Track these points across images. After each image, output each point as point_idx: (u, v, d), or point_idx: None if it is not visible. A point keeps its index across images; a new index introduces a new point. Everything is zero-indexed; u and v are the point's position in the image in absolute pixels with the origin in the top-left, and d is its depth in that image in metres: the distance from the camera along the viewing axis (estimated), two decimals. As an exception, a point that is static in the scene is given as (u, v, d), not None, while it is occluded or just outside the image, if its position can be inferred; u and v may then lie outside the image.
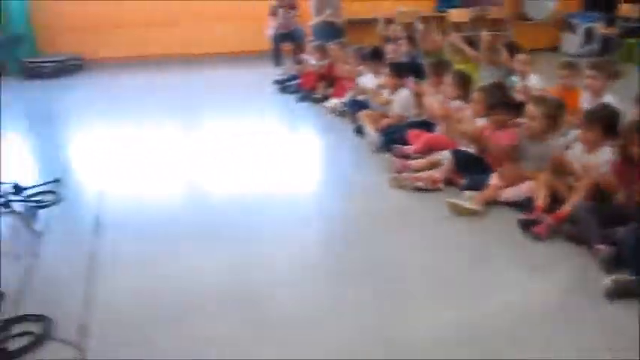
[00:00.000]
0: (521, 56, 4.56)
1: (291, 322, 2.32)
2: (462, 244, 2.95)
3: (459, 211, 3.17)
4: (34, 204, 3.55)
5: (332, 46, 5.87)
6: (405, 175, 3.62)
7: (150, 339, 2.26)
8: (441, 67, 4.46)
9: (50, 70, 7.84)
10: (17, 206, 3.45)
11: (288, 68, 6.99)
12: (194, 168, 4.43)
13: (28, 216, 3.39)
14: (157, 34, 8.25)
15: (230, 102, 6.06)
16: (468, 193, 3.33)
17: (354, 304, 2.43)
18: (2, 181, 3.48)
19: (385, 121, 4.50)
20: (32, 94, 6.88)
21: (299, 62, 6.65)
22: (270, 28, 7.19)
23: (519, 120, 3.50)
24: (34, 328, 2.35)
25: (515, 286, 2.54)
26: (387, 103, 4.63)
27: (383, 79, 4.75)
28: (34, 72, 7.77)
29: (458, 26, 7.56)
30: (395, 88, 4.61)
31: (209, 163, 4.47)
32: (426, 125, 4.28)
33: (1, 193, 3.45)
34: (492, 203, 3.26)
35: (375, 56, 5.07)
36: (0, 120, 3.41)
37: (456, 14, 7.74)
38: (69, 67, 8.05)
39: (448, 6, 7.88)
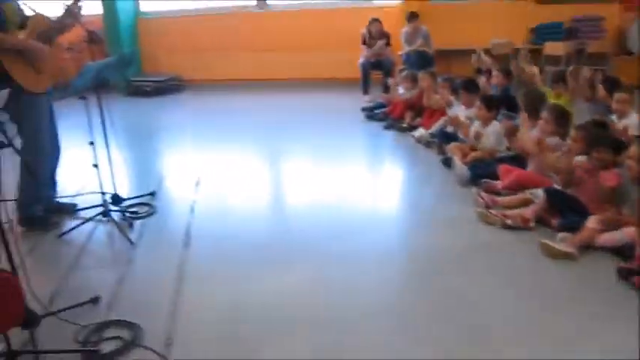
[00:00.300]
0: (620, 95, 4.30)
1: (367, 353, 2.29)
2: (553, 290, 2.78)
3: (552, 254, 3.01)
4: (130, 214, 3.77)
5: (423, 75, 5.84)
6: (493, 211, 3.50)
7: (230, 355, 2.30)
8: (536, 101, 4.30)
9: (152, 88, 8.37)
10: (115, 216, 3.69)
11: (376, 96, 7.03)
12: (280, 189, 4.56)
13: (125, 225, 3.60)
14: (253, 59, 8.61)
15: (318, 126, 6.17)
16: (561, 234, 3.16)
17: (432, 344, 2.35)
18: (104, 191, 3.68)
19: (474, 154, 4.40)
20: (134, 110, 7.36)
21: (387, 90, 6.67)
22: (361, 56, 7.27)
23: (620, 161, 3.30)
24: (124, 333, 2.47)
25: (609, 339, 2.36)
26: (478, 135, 4.53)
27: (474, 111, 4.65)
28: (136, 90, 8.33)
29: (554, 59, 7.29)
30: (486, 121, 4.50)
31: (294, 185, 4.57)
32: (518, 161, 4.13)
33: (102, 203, 3.68)
34: (588, 247, 3.07)
35: (467, 87, 4.98)
36: (107, 133, 3.60)
37: (552, 47, 7.47)
38: (169, 87, 8.54)
39: (544, 38, 7.64)
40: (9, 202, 2.26)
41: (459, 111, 4.98)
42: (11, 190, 3.28)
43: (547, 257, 3.02)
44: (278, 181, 4.81)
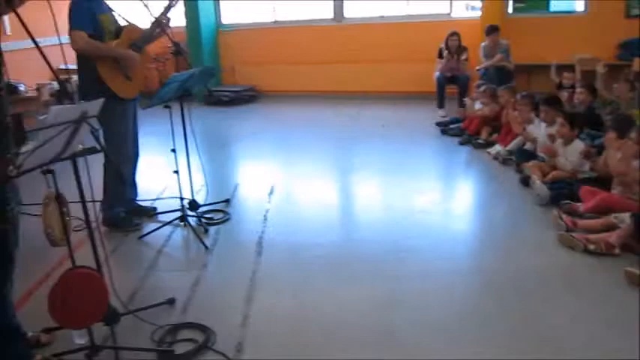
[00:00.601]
0: None
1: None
2: (637, 320, 2.61)
3: (639, 283, 2.83)
4: (206, 220, 3.88)
5: (502, 90, 5.68)
6: (575, 234, 3.34)
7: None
8: (624, 121, 4.07)
9: (228, 98, 8.63)
10: (192, 221, 3.81)
11: (451, 111, 6.91)
12: (352, 201, 4.56)
13: (201, 231, 3.72)
14: (328, 71, 8.69)
15: (391, 140, 6.12)
16: (649, 262, 2.97)
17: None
18: (182, 196, 3.82)
19: (555, 174, 4.21)
20: (211, 119, 7.62)
21: (463, 105, 6.54)
22: (436, 70, 7.18)
23: None
24: (197, 336, 2.54)
25: None
26: (558, 154, 4.34)
27: (555, 129, 4.46)
28: (213, 99, 8.62)
29: (644, 77, 6.89)
30: (568, 140, 4.31)
31: (366, 198, 4.56)
32: (601, 183, 3.91)
33: (180, 208, 3.82)
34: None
35: (549, 103, 4.78)
36: (187, 141, 3.74)
37: (642, 63, 7.07)
38: (244, 97, 8.76)
39: (634, 54, 7.23)
40: (94, 203, 2.37)
41: (539, 128, 4.80)
42: (97, 191, 3.47)
43: (632, 286, 2.84)
44: (350, 194, 4.82)
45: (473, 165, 5.24)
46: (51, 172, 2.00)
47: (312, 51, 8.80)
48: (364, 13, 8.80)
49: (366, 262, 3.28)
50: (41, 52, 1.99)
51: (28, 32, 1.99)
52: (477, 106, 6.09)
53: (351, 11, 8.79)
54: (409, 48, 8.19)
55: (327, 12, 8.83)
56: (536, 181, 4.13)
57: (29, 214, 2.85)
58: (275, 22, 9.14)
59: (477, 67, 7.10)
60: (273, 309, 2.82)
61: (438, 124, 6.45)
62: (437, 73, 7.15)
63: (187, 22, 8.80)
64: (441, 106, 7.09)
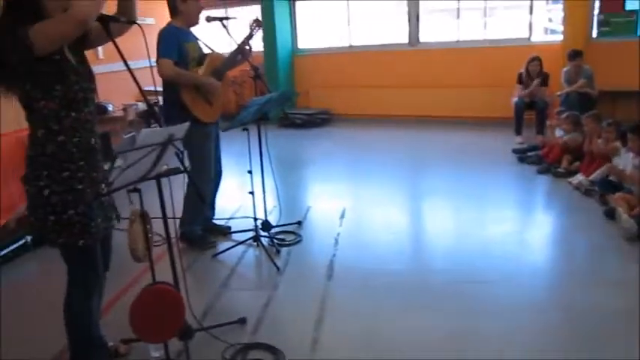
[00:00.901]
0: None
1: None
2: None
3: None
4: (278, 241, 3.94)
5: (587, 117, 5.43)
6: (667, 272, 3.12)
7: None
8: None
9: (302, 121, 8.78)
10: (265, 241, 3.88)
11: (529, 138, 6.69)
12: (423, 227, 4.49)
13: (273, 252, 3.77)
14: (402, 95, 8.69)
15: (465, 166, 5.99)
16: None
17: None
18: (256, 217, 3.90)
19: (643, 207, 3.97)
20: (285, 141, 7.78)
21: (542, 132, 6.31)
22: (515, 95, 6.98)
23: None
24: (267, 357, 2.56)
25: None
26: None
27: (644, 160, 4.21)
28: (287, 122, 8.80)
29: None
30: (660, 171, 4.05)
31: (438, 225, 4.47)
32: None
33: (254, 228, 3.90)
34: None
35: (639, 132, 4.52)
36: (263, 162, 3.83)
37: None
38: (317, 120, 8.89)
39: None
40: (171, 220, 2.46)
41: (627, 158, 4.55)
42: (177, 208, 3.61)
43: None
44: (421, 220, 4.74)
45: (552, 195, 5.03)
46: (137, 190, 2.10)
47: (387, 75, 8.83)
48: (440, 37, 8.76)
49: (437, 291, 3.20)
50: (132, 75, 2.12)
51: (123, 58, 2.12)
52: (558, 133, 5.86)
53: (426, 36, 8.77)
54: (486, 73, 8.05)
55: (402, 36, 8.85)
56: (623, 214, 3.90)
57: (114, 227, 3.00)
58: (350, 46, 9.25)
59: (558, 93, 6.84)
60: (343, 334, 2.80)
61: (515, 151, 6.26)
62: (515, 99, 6.96)
63: (265, 46, 9.10)
64: (518, 132, 6.88)
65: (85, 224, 2.09)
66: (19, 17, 1.90)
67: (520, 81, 6.99)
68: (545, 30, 8.78)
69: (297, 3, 9.56)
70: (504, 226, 4.22)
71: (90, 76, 2.17)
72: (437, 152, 6.77)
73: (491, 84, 7.96)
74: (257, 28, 3.88)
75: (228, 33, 3.72)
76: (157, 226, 2.39)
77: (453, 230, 4.29)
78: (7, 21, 1.91)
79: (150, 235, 2.24)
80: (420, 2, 8.63)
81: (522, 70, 6.97)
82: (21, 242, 4.13)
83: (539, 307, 3.00)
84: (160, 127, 2.18)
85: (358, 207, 4.89)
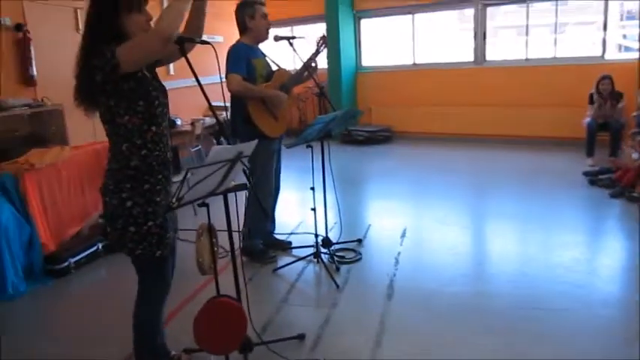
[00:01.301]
0: None
1: None
2: None
3: None
4: (338, 258, 3.94)
5: (664, 141, 5.18)
6: None
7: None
8: None
9: (363, 137, 8.80)
10: (325, 258, 3.89)
11: (601, 160, 6.40)
12: (485, 250, 4.37)
13: (332, 269, 3.77)
14: (466, 114, 8.54)
15: (531, 188, 5.80)
16: None
17: None
18: (317, 233, 3.92)
19: None
20: (346, 157, 7.81)
21: (616, 154, 6.03)
22: (587, 115, 6.72)
23: None
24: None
25: None
26: None
27: None
28: (349, 138, 8.84)
29: None
30: None
31: (500, 248, 4.33)
32: None
33: (314, 244, 3.92)
34: None
35: None
36: (325, 179, 3.85)
37: None
38: (379, 137, 8.88)
39: None
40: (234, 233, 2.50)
41: None
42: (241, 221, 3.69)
43: None
44: (484, 242, 4.62)
45: (626, 220, 4.77)
46: (206, 205, 2.17)
47: (451, 93, 8.73)
48: (507, 55, 8.58)
49: (501, 316, 3.10)
50: (203, 92, 2.19)
51: (195, 75, 2.20)
52: (634, 156, 5.58)
53: (493, 53, 8.61)
54: (556, 92, 7.80)
55: (467, 54, 8.73)
56: None
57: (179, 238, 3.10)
58: (414, 64, 9.21)
59: (634, 114, 6.53)
60: (402, 355, 2.76)
61: (587, 173, 6.00)
62: (587, 119, 6.69)
63: (329, 63, 9.20)
64: (590, 154, 6.60)
65: (161, 236, 2.18)
66: (104, 38, 2.01)
67: (591, 101, 6.72)
68: (620, 47, 8.42)
69: (361, 21, 9.63)
70: (573, 251, 4.04)
71: (164, 92, 2.27)
72: (502, 172, 6.60)
73: (562, 103, 7.70)
74: (323, 45, 3.95)
75: (295, 51, 3.80)
76: (220, 238, 2.45)
77: (518, 254, 4.14)
78: (94, 42, 2.03)
79: (215, 249, 2.30)
80: (487, 19, 8.49)
81: (593, 90, 6.71)
82: (93, 249, 4.34)
83: (609, 338, 2.84)
84: (229, 143, 2.25)
85: (419, 226, 4.83)
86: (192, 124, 6.85)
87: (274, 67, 3.95)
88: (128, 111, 2.10)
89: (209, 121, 7.35)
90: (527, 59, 8.22)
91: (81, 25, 5.85)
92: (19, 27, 5.07)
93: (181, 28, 2.27)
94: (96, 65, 1.97)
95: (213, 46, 2.20)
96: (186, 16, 2.20)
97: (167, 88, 2.32)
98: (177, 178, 2.32)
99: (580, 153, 6.72)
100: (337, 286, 3.55)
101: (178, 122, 6.94)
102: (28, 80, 5.16)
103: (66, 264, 4.09)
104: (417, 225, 4.85)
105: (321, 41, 3.94)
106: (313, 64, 3.87)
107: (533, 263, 3.87)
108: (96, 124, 2.25)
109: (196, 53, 2.37)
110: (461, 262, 4.00)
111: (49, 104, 5.03)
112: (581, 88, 7.02)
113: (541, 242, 4.29)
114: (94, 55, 1.98)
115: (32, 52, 5.13)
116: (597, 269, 3.80)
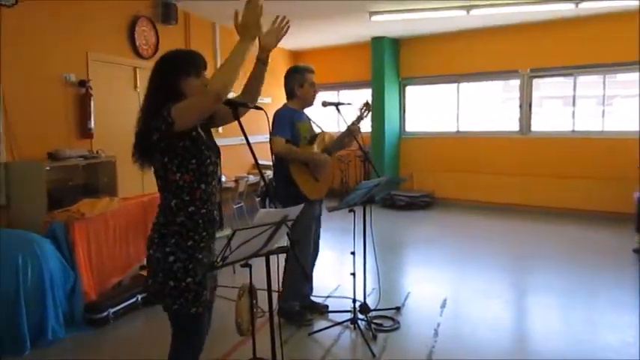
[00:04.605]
0: None
1: None
2: None
3: None
4: (375, 326, 3.85)
5: None
6: None
7: None
8: None
9: (404, 202, 8.77)
10: (362, 325, 3.81)
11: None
12: (528, 327, 4.19)
13: (369, 336, 3.69)
14: (509, 183, 8.47)
15: (574, 263, 5.60)
16: None
17: None
18: (355, 298, 3.86)
19: None
20: (386, 222, 7.76)
21: (668, 232, 5.79)
22: (637, 190, 6.53)
23: None
24: None
25: None
26: None
27: None
28: (390, 203, 8.83)
29: None
30: None
31: (544, 326, 4.14)
32: None
33: (352, 310, 3.86)
34: None
35: None
36: (365, 244, 3.83)
37: None
38: (420, 203, 8.83)
39: None
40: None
41: None
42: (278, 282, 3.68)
43: None
44: (528, 318, 4.43)
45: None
46: (248, 265, 2.18)
47: (494, 161, 8.69)
48: (553, 125, 8.52)
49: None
50: (252, 152, 2.26)
51: (245, 136, 2.28)
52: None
53: (538, 123, 8.57)
54: (603, 164, 7.68)
55: (512, 124, 8.72)
56: None
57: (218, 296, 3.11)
58: (457, 131, 9.25)
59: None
60: None
61: (636, 251, 5.77)
62: (638, 194, 6.50)
63: (373, 128, 9.32)
64: (640, 230, 6.37)
65: (198, 293, 2.19)
66: (164, 100, 2.12)
67: (642, 176, 6.55)
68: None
69: (407, 87, 9.80)
70: (622, 333, 3.84)
71: (218, 151, 2.34)
72: (546, 245, 6.41)
73: (609, 176, 7.55)
74: (367, 111, 4.04)
75: (341, 115, 3.89)
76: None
77: (563, 333, 3.95)
78: (154, 103, 2.14)
79: (255, 310, 2.29)
80: (533, 89, 8.52)
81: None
82: (132, 300, 4.38)
83: None
84: (274, 204, 2.28)
85: (460, 297, 4.70)
86: (236, 181, 7.00)
87: (318, 131, 4.04)
88: (180, 168, 2.17)
89: (252, 178, 7.49)
90: (573, 131, 8.14)
91: (139, 83, 6.18)
92: (82, 83, 5.39)
93: (238, 90, 2.37)
94: (154, 125, 2.07)
95: (265, 111, 2.27)
96: (243, 75, 2.29)
97: (215, 146, 2.39)
98: (220, 234, 2.36)
99: (629, 228, 6.49)
100: (373, 355, 3.45)
101: (223, 179, 7.10)
102: (85, 132, 5.43)
103: (105, 314, 4.13)
104: (457, 295, 4.73)
105: (364, 107, 4.04)
106: (357, 129, 3.94)
107: (579, 345, 3.68)
108: (144, 176, 2.33)
109: (246, 113, 2.46)
110: (503, 338, 3.85)
111: (103, 156, 5.26)
112: (630, 161, 6.87)
113: (587, 321, 4.10)
114: (153, 116, 2.08)
115: (92, 106, 5.41)
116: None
